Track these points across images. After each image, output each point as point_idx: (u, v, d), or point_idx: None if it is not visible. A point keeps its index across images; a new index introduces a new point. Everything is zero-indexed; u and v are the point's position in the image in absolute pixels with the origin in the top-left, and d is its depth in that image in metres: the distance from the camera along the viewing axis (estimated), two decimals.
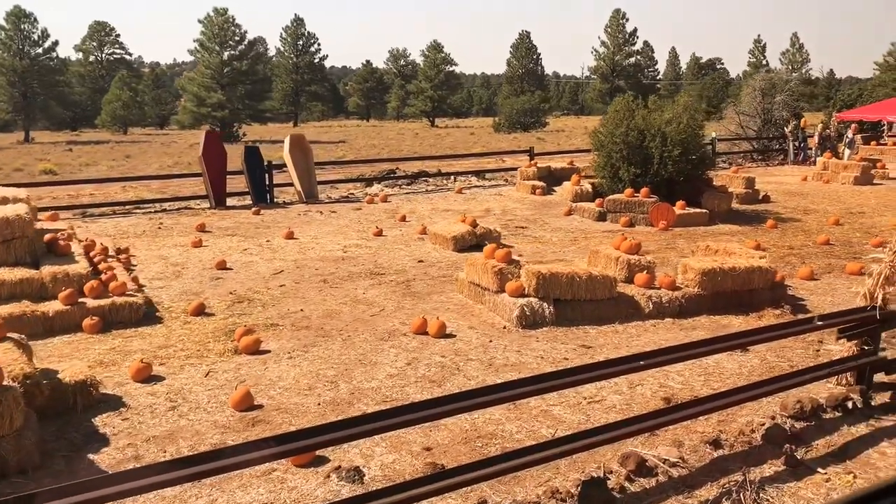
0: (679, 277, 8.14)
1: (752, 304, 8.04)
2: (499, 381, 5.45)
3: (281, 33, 68.01)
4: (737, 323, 7.69)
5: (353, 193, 17.92)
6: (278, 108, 67.93)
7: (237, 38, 45.46)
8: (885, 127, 30.45)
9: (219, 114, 43.18)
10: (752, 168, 24.89)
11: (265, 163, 16.07)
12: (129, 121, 50.39)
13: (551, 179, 17.84)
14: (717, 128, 28.11)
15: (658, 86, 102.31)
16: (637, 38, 72.04)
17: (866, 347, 5.66)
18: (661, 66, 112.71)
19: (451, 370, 6.22)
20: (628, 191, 13.72)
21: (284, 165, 16.66)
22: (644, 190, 13.62)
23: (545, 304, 7.42)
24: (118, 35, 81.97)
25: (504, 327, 7.41)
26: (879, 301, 5.47)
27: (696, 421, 5.23)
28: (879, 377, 5.88)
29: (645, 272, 7.98)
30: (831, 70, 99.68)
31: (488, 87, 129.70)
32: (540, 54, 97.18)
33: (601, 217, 13.92)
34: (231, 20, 44.75)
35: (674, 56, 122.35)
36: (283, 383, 5.98)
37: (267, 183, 16.13)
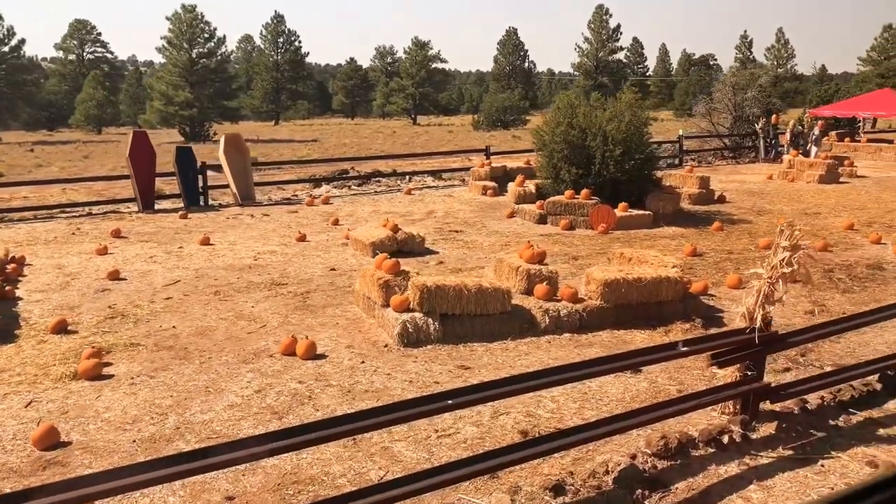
0: (582, 289, 7.55)
1: (661, 317, 7.46)
2: (349, 412, 4.88)
3: (261, 30, 67.32)
4: (641, 338, 7.10)
5: (296, 195, 17.29)
6: (258, 107, 67.15)
7: (206, 36, 44.66)
8: (861, 123, 29.95)
9: (187, 112, 42.36)
10: (721, 166, 24.36)
11: (198, 164, 15.41)
12: (104, 120, 49.55)
13: (506, 179, 17.22)
14: (687, 125, 27.55)
15: (648, 82, 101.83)
16: (621, 34, 71.50)
17: (749, 373, 5.07)
18: (652, 63, 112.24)
19: (302, 399, 5.61)
20: (568, 192, 13.13)
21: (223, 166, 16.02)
22: (584, 191, 13.02)
23: (430, 320, 6.82)
24: (99, 33, 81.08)
25: (385, 346, 6.81)
26: (758, 322, 4.87)
27: (549, 459, 4.65)
28: (770, 405, 5.30)
29: (545, 283, 7.38)
30: (822, 66, 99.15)
31: (481, 84, 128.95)
32: (527, 51, 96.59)
33: (542, 220, 13.32)
34: (200, 17, 43.95)
35: (664, 53, 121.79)
36: (109, 415, 5.36)
37: (201, 185, 15.48)
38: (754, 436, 4.97)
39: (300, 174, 21.40)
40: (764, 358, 5.13)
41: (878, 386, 5.81)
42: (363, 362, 6.37)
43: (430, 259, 10.51)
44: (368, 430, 4.01)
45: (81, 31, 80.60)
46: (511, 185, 15.00)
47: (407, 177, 20.22)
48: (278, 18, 66.69)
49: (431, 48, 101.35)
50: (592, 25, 70.71)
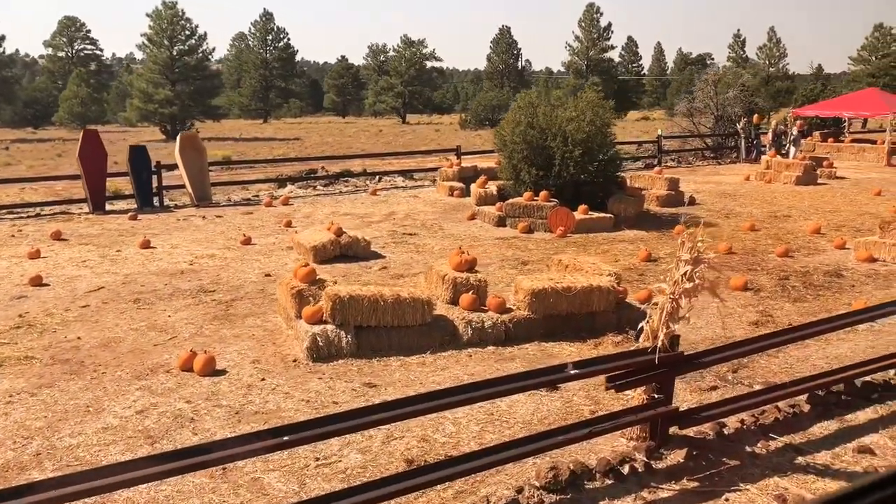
0: (511, 298, 7.15)
1: (594, 328, 7.07)
2: (228, 436, 4.51)
3: (250, 28, 66.78)
4: (569, 351, 6.71)
5: (257, 196, 16.86)
6: (247, 104, 66.54)
7: (187, 33, 44.07)
8: (846, 123, 29.56)
9: (167, 110, 41.77)
10: (701, 167, 23.98)
11: (153, 164, 14.98)
12: (88, 118, 49.01)
13: (476, 180, 16.81)
14: (668, 125, 27.17)
15: (643, 81, 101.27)
16: (612, 32, 70.96)
17: (656, 396, 4.68)
18: (647, 62, 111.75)
19: (184, 421, 5.21)
20: (527, 194, 12.73)
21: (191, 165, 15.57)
22: (543, 193, 12.62)
23: (343, 333, 6.42)
24: (89, 30, 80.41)
25: (294, 361, 6.40)
26: (661, 341, 4.48)
27: (429, 492, 4.25)
28: (682, 431, 4.91)
29: (471, 293, 6.98)
30: (819, 65, 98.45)
31: (478, 82, 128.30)
32: (520, 49, 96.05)
33: (501, 222, 12.92)
34: (181, 14, 43.35)
35: (659, 51, 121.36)
36: None
37: (156, 185, 15.06)
38: (660, 465, 4.58)
39: (270, 174, 20.98)
40: (672, 380, 4.73)
41: (806, 408, 5.43)
42: (263, 379, 5.97)
43: (375, 264, 10.11)
44: (227, 461, 3.64)
45: (71, 28, 79.92)
46: (473, 187, 14.60)
47: (377, 177, 19.80)
48: (267, 16, 66.18)
49: (425, 46, 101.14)
50: (583, 24, 70.25)
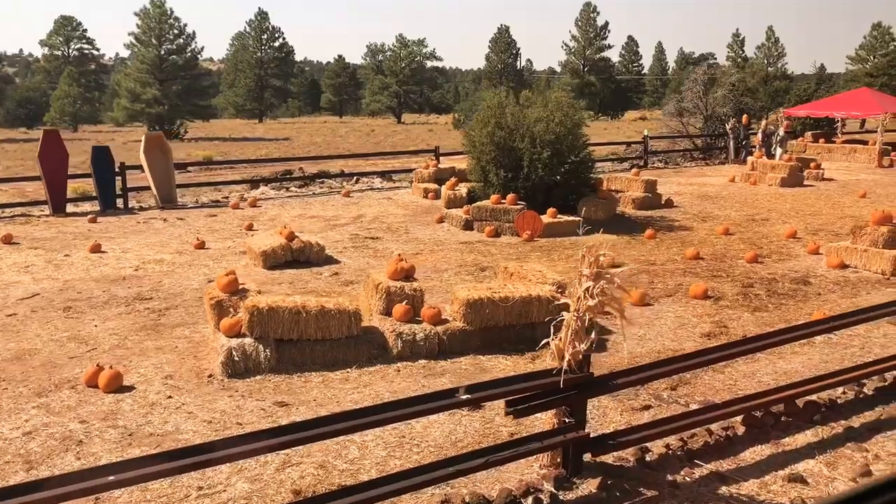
0: (447, 309, 6.80)
1: (534, 339, 6.68)
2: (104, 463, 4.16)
3: (245, 27, 66.43)
4: (504, 365, 6.35)
5: (226, 198, 16.52)
6: (242, 104, 66.19)
7: (176, 32, 43.69)
8: (839, 124, 29.12)
9: (154, 110, 41.40)
10: (689, 168, 23.59)
11: (117, 164, 14.65)
12: (80, 118, 48.75)
13: None
14: (655, 126, 26.78)
15: (644, 80, 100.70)
16: (609, 31, 70.46)
17: (567, 420, 4.33)
18: (648, 62, 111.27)
19: (71, 444, 4.86)
20: (494, 197, 12.37)
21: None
22: (510, 196, 12.26)
23: (261, 347, 6.06)
24: (85, 30, 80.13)
25: (210, 376, 6.06)
26: (566, 362, 4.12)
27: None
28: (601, 457, 4.55)
29: (404, 303, 6.62)
30: (822, 65, 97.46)
31: (479, 82, 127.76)
32: (519, 49, 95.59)
33: (468, 226, 12.57)
34: (169, 13, 42.97)
35: (660, 51, 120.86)
36: None
37: (121, 187, 14.73)
38: (569, 496, 4.22)
39: (249, 174, 20.67)
40: (584, 403, 4.38)
41: (741, 430, 5.07)
42: (170, 397, 5.62)
43: (327, 270, 9.76)
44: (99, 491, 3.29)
45: (67, 28, 79.70)
46: (443, 189, 14.24)
47: (354, 178, 19.45)
48: (262, 15, 65.82)
49: (426, 46, 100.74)
50: (580, 23, 69.76)
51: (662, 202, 15.06)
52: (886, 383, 5.85)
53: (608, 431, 4.76)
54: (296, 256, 9.91)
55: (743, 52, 78.41)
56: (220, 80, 79.96)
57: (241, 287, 6.61)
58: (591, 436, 4.41)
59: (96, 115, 53.13)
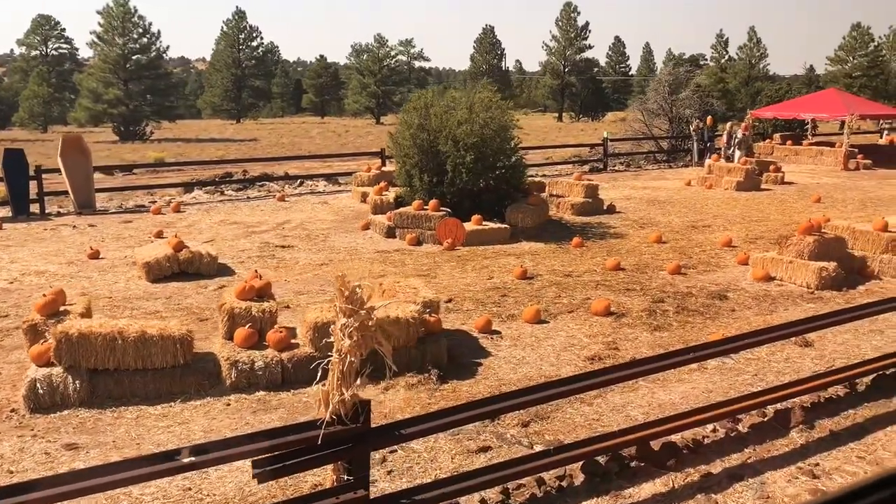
0: (299, 332, 6.15)
1: (397, 365, 6.05)
2: None
3: (222, 27, 65.52)
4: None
5: (153, 202, 15.81)
6: (219, 104, 65.30)
7: (140, 31, 42.80)
8: (809, 126, 28.61)
9: (116, 110, 40.49)
10: (650, 170, 23.01)
11: (31, 168, 13.93)
12: (49, 118, 47.83)
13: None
14: (620, 128, 26.20)
15: (631, 81, 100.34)
16: (589, 32, 69.84)
17: (347, 477, 3.68)
18: (635, 63, 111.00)
19: None
20: (416, 203, 11.74)
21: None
22: (433, 202, 11.63)
23: (70, 378, 5.40)
24: (63, 29, 79.06)
25: (13, 410, 5.39)
26: (331, 412, 3.48)
27: None
28: None
29: (248, 326, 5.97)
30: (811, 66, 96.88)
31: (466, 83, 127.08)
32: (504, 49, 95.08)
33: (391, 233, 11.93)
34: (132, 11, 42.06)
35: (647, 51, 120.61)
36: None
37: (37, 191, 14.01)
38: None
39: (194, 176, 19.95)
40: (366, 458, 3.73)
41: (580, 478, 4.44)
42: None
43: (214, 283, 9.08)
44: None
45: (45, 27, 78.61)
46: (370, 193, 13.59)
47: (299, 181, 18.78)
48: (239, 14, 64.95)
49: (413, 46, 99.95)
50: (560, 23, 69.17)
51: (605, 207, 14.45)
52: (765, 419, 5.24)
53: (403, 488, 4.12)
54: (184, 268, 9.25)
55: (727, 52, 78.09)
56: (202, 80, 79.16)
57: (63, 309, 5.93)
58: (376, 496, 3.76)
59: (67, 115, 52.13)
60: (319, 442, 3.41)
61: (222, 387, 5.74)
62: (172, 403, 5.51)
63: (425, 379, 5.88)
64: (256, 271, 6.77)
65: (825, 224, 10.22)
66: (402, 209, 11.84)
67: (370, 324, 3.41)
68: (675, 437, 4.90)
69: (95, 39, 42.88)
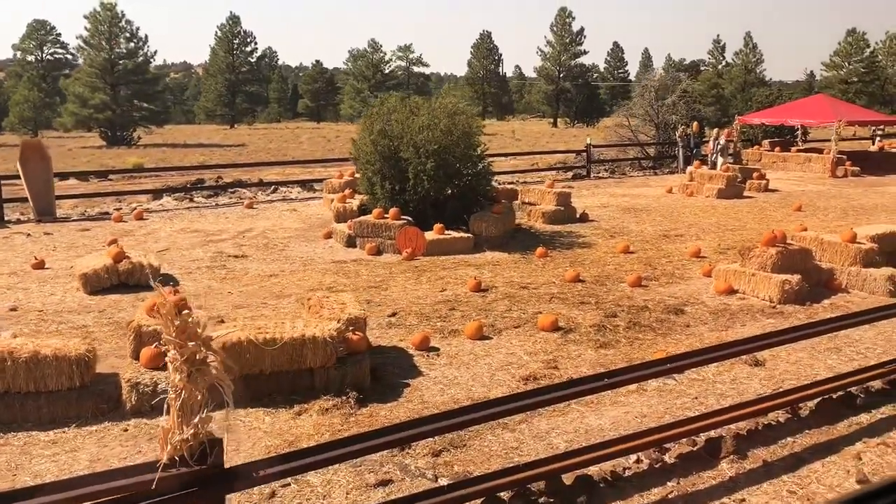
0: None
1: (313, 387, 5.73)
2: None
3: (216, 32, 65.36)
4: (263, 421, 5.36)
5: (119, 209, 15.49)
6: (213, 110, 65.07)
7: (127, 35, 42.57)
8: (799, 132, 28.27)
9: (102, 115, 40.20)
10: (635, 177, 22.69)
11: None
12: (40, 123, 47.57)
13: None
14: (603, 134, 25.88)
15: (629, 87, 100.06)
16: (584, 37, 69.54)
17: None
18: (634, 69, 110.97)
19: None
20: (376, 211, 11.41)
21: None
22: (393, 210, 11.30)
23: None
24: (59, 34, 78.94)
25: None
26: (171, 453, 3.13)
27: None
28: None
29: (155, 345, 5.61)
30: (811, 72, 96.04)
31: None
32: (501, 54, 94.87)
33: (351, 242, 11.60)
34: (120, 16, 41.84)
35: (647, 57, 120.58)
36: None
37: None
38: None
39: (171, 182, 19.66)
40: (218, 502, 3.37)
41: None
42: None
43: (155, 295, 8.72)
44: None
45: (40, 32, 78.50)
46: (333, 201, 13.26)
47: (272, 187, 18.47)
48: (234, 19, 64.80)
49: (412, 51, 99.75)
50: (555, 28, 68.89)
51: (577, 216, 14.11)
52: (694, 448, 4.88)
53: None
54: (124, 279, 8.91)
55: (723, 58, 77.78)
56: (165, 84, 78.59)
57: None
58: None
59: (52, 121, 51.81)
60: (154, 487, 3.06)
61: (123, 410, 5.39)
62: (66, 429, 5.17)
63: (342, 402, 5.53)
64: (173, 285, 6.42)
65: (793, 235, 9.88)
66: (361, 218, 11.51)
67: (206, 356, 3.05)
68: (593, 469, 4.55)
69: (82, 44, 42.67)
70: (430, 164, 11.06)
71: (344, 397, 5.58)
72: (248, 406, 5.54)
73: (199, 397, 3.16)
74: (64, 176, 20.91)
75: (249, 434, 5.15)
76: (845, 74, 55.98)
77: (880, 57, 58.49)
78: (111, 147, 37.40)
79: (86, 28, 42.25)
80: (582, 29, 68.98)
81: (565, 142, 41.23)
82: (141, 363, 5.60)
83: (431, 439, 4.90)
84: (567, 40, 68.12)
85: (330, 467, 4.46)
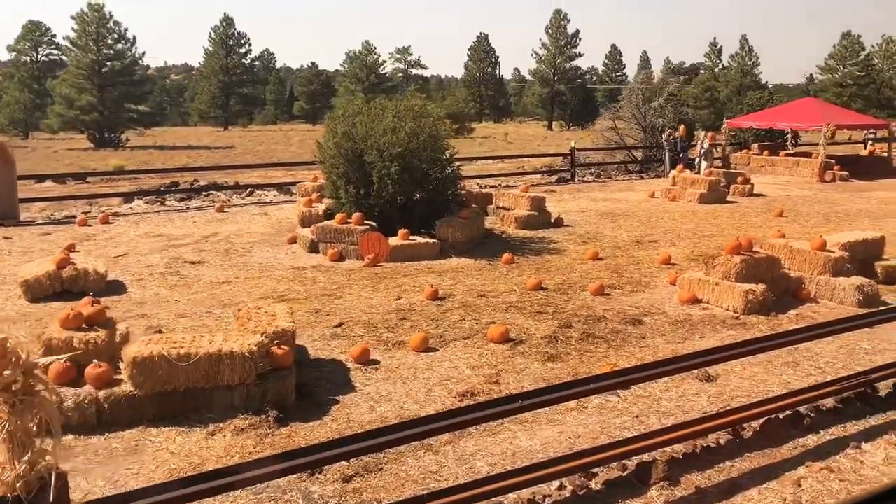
0: (122, 367, 5.50)
1: (232, 405, 5.43)
2: None
3: (209, 33, 65.13)
4: (174, 441, 5.06)
5: (87, 212, 15.22)
6: (206, 111, 64.84)
7: (115, 36, 42.30)
8: (789, 135, 27.99)
9: (89, 116, 39.92)
10: (621, 181, 22.40)
11: None
12: (31, 124, 47.27)
13: None
14: (592, 136, 25.61)
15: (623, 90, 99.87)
16: (579, 40, 69.32)
17: None
18: (632, 72, 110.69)
19: None
20: (339, 216, 11.12)
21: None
22: (356, 215, 11.01)
23: None
24: (54, 35, 78.68)
25: None
26: (20, 488, 2.83)
27: None
28: None
29: (65, 360, 5.32)
30: (811, 76, 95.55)
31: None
32: (498, 57, 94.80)
33: (314, 247, 11.31)
34: (108, 16, 41.60)
35: (644, 60, 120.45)
36: None
37: None
38: None
39: (152, 185, 19.40)
40: None
41: None
42: None
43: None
44: None
45: (35, 33, 78.25)
46: (298, 204, 12.97)
47: (248, 189, 18.19)
48: (228, 21, 64.55)
49: (410, 54, 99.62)
50: (550, 31, 68.64)
51: (552, 221, 13.82)
52: (624, 473, 4.58)
53: None
54: (68, 286, 8.61)
55: (720, 61, 77.63)
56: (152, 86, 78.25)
57: None
58: None
59: (40, 123, 51.57)
60: None
61: None
62: None
63: (260, 421, 5.23)
64: (92, 295, 6.13)
65: (762, 242, 9.59)
66: (324, 223, 11.22)
67: (30, 384, 2.76)
68: (511, 497, 4.26)
69: (69, 45, 42.40)
70: (395, 168, 10.77)
71: (263, 416, 5.29)
72: (161, 425, 5.24)
73: (32, 428, 2.86)
74: (40, 178, 20.69)
75: (156, 456, 4.85)
76: (840, 78, 55.76)
77: (876, 60, 58.21)
78: (98, 149, 37.13)
79: (73, 29, 42.05)
80: (577, 31, 68.84)
81: (557, 145, 40.96)
82: (49, 378, 5.29)
83: (346, 462, 4.64)
84: (562, 43, 67.91)
85: (229, 493, 4.19)
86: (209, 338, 5.52)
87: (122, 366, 5.39)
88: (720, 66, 78.29)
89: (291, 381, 5.58)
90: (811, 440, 5.11)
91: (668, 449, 4.83)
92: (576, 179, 21.93)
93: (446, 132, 11.74)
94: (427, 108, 11.54)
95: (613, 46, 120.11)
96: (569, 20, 68.05)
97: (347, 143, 11.13)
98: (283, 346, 5.66)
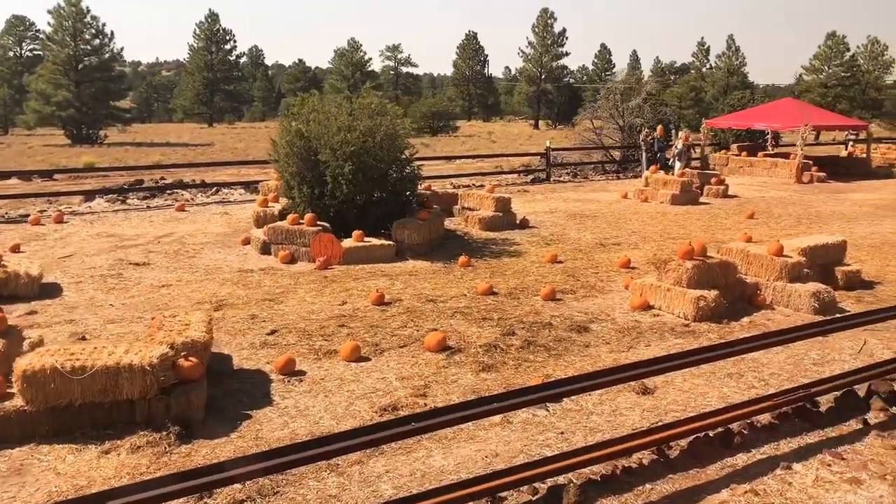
0: (14, 380, 5.18)
1: (134, 421, 5.12)
2: None
3: (194, 29, 64.42)
4: (65, 460, 4.75)
5: (42, 211, 14.83)
6: (190, 108, 64.21)
7: (93, 31, 41.65)
8: (769, 136, 27.85)
9: (65, 113, 39.24)
10: (597, 181, 22.14)
11: None
12: (10, 121, 46.56)
13: None
14: (569, 136, 25.35)
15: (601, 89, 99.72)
16: (566, 39, 69.03)
17: None
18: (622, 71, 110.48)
19: None
20: (291, 217, 10.80)
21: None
22: (308, 216, 10.70)
23: None
24: (38, 30, 77.81)
25: None
26: None
27: None
28: None
29: None
30: (801, 76, 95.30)
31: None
32: (487, 55, 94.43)
33: (266, 249, 10.99)
34: (85, 11, 40.89)
35: (634, 59, 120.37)
36: None
37: None
38: None
39: (118, 182, 18.97)
40: None
41: None
42: None
43: (23, 308, 8.08)
44: None
45: (19, 28, 77.38)
46: (254, 205, 12.64)
47: (214, 188, 17.83)
48: (213, 17, 63.85)
49: (401, 51, 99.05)
50: (537, 29, 68.33)
51: (517, 222, 13.54)
52: (534, 498, 4.31)
53: None
54: None
55: (707, 60, 77.50)
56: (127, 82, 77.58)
57: None
58: None
59: (15, 118, 50.80)
60: None
61: None
62: None
63: (160, 438, 4.93)
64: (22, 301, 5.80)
65: (720, 247, 9.35)
66: (276, 224, 10.90)
67: None
68: None
69: (45, 39, 41.73)
70: (349, 168, 10.47)
71: (164, 433, 4.98)
72: (55, 442, 4.93)
73: None
74: (6, 175, 20.22)
75: (39, 477, 4.54)
76: (825, 78, 55.77)
77: (861, 61, 58.25)
78: (75, 145, 36.57)
79: (48, 24, 41.41)
80: (564, 30, 68.55)
81: (540, 144, 40.67)
82: None
83: (238, 486, 4.35)
84: (549, 41, 67.62)
85: None
86: (110, 349, 5.20)
87: (14, 377, 5.07)
88: (707, 66, 78.21)
89: (200, 395, 5.28)
90: (740, 460, 4.85)
91: (586, 470, 4.56)
92: (551, 179, 21.67)
93: (405, 131, 11.41)
94: (385, 107, 11.21)
95: (603, 45, 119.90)
96: (556, 19, 67.82)
97: (300, 142, 10.81)
98: (191, 358, 5.35)
